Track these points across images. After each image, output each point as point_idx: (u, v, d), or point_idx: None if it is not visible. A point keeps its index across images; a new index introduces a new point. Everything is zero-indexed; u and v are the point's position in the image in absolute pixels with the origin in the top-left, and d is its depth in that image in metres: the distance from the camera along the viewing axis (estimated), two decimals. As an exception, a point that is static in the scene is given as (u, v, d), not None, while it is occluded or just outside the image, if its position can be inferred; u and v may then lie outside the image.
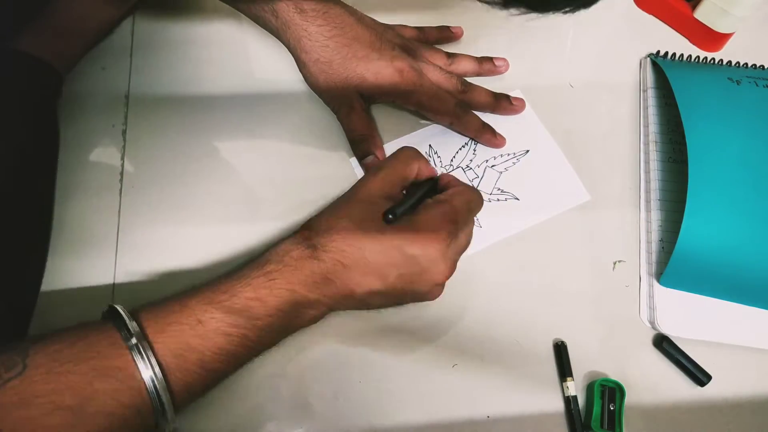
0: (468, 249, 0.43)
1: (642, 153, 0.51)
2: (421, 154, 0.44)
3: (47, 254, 0.44)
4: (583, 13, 0.56)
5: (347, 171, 0.49)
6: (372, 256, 0.38)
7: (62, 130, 0.49)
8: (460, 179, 0.46)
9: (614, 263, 0.47)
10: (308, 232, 0.39)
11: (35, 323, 0.41)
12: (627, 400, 0.42)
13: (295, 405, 0.42)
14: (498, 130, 0.50)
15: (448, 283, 0.45)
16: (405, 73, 0.48)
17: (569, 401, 0.42)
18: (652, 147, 0.51)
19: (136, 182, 0.48)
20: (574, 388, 0.42)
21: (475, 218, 0.45)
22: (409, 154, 0.43)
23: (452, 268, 0.41)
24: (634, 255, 0.48)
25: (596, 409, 0.42)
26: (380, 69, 0.47)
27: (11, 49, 0.45)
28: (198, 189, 0.48)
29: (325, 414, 0.42)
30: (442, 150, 0.50)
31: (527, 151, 0.50)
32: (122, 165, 0.48)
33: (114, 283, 0.44)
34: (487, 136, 0.50)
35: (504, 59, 0.53)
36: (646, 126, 0.52)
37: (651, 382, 0.44)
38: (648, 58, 0.55)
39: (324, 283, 0.38)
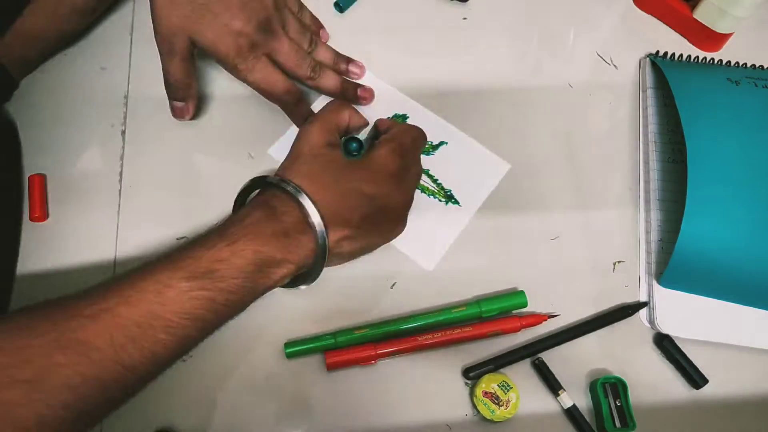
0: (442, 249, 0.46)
1: (641, 153, 0.51)
2: (349, 104, 0.46)
3: (17, 257, 0.45)
4: (582, 14, 0.57)
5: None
6: (331, 205, 0.38)
7: (62, 130, 0.49)
8: None
9: (614, 263, 0.47)
10: (264, 196, 0.39)
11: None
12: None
13: (295, 405, 0.42)
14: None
15: (451, 281, 0.46)
16: (242, 51, 0.44)
17: (570, 412, 0.42)
18: (652, 147, 0.51)
19: (135, 183, 0.48)
20: (569, 398, 0.43)
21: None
22: (337, 103, 0.45)
23: (410, 200, 0.44)
24: (633, 255, 0.48)
25: (605, 409, 0.42)
26: (222, 36, 0.43)
27: None
28: (198, 190, 0.48)
29: (325, 414, 0.42)
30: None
31: (439, 148, 0.50)
32: (121, 165, 0.48)
33: (113, 284, 0.44)
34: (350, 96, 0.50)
35: (361, 66, 0.52)
36: (646, 126, 0.52)
37: (651, 382, 0.44)
38: (647, 59, 0.55)
39: (288, 240, 0.37)
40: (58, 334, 0.31)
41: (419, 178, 0.46)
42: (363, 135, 0.43)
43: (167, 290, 0.34)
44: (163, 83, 0.46)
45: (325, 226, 0.38)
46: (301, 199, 0.38)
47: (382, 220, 0.41)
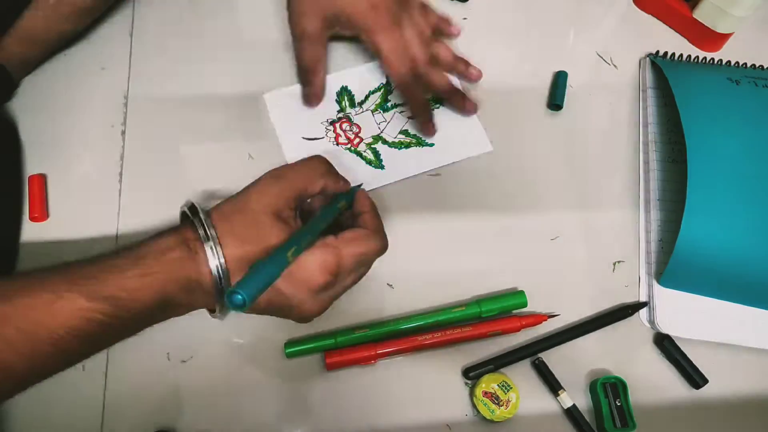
0: (366, 186, 0.46)
1: (641, 153, 0.51)
2: (333, 167, 0.41)
3: (17, 257, 0.45)
4: (582, 14, 0.57)
5: (342, 170, 0.48)
6: (245, 270, 0.35)
7: (61, 131, 0.49)
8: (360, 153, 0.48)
9: (614, 264, 0.47)
10: (190, 233, 0.36)
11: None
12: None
13: (295, 405, 0.42)
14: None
15: (451, 281, 0.46)
16: (379, 11, 0.45)
17: (570, 412, 0.42)
18: (652, 147, 0.51)
19: (135, 183, 0.48)
20: (569, 398, 0.43)
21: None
22: (317, 167, 0.40)
23: (323, 308, 0.39)
24: (633, 255, 0.48)
25: (605, 409, 0.42)
26: (354, 2, 0.45)
27: None
28: (197, 190, 0.48)
29: (325, 414, 0.42)
30: (356, 90, 0.52)
31: (438, 105, 0.52)
32: (121, 165, 0.48)
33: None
34: (423, 118, 0.50)
35: (478, 70, 0.52)
36: (646, 126, 0.52)
37: (651, 382, 0.44)
38: (647, 59, 0.55)
39: (197, 289, 0.36)
40: None
41: (352, 285, 0.41)
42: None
43: (61, 302, 0.32)
44: (163, 83, 0.46)
45: (227, 289, 0.35)
46: (212, 264, 0.35)
47: (287, 312, 0.39)
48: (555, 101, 0.52)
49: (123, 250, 0.36)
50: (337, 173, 0.42)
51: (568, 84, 0.53)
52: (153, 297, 0.35)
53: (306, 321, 0.40)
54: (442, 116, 0.51)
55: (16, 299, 0.32)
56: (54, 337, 0.32)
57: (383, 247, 0.40)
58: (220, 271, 0.36)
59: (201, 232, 0.36)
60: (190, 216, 0.38)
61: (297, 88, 0.51)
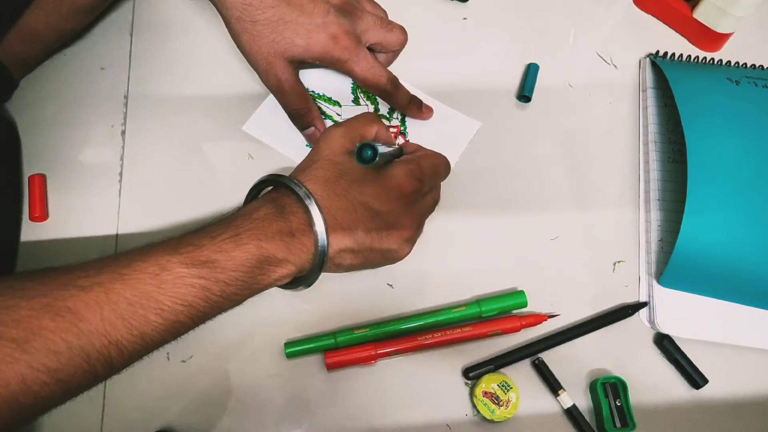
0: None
1: (641, 153, 0.51)
2: (380, 119, 0.45)
3: (17, 257, 0.45)
4: (582, 14, 0.57)
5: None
6: (339, 214, 0.39)
7: (61, 130, 0.49)
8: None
9: (614, 264, 0.47)
10: (276, 194, 0.39)
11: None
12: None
13: (295, 405, 0.42)
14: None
15: (451, 281, 0.46)
16: (340, 40, 0.45)
17: (570, 412, 0.42)
18: (652, 147, 0.51)
19: (135, 183, 0.48)
20: (569, 398, 0.43)
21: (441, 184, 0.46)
22: (368, 116, 0.45)
23: (419, 225, 0.43)
24: (633, 255, 0.48)
25: (605, 409, 0.42)
26: (311, 35, 0.44)
27: None
28: (197, 190, 0.48)
29: (325, 414, 0.42)
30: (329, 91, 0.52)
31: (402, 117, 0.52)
32: (121, 165, 0.48)
33: (113, 284, 0.44)
34: (413, 109, 0.50)
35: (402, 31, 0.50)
36: (646, 126, 0.52)
37: (651, 382, 0.44)
38: (647, 59, 0.55)
39: (291, 241, 0.37)
40: (49, 299, 0.31)
41: (434, 207, 0.45)
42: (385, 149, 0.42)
43: (164, 273, 0.33)
44: (163, 82, 0.46)
45: (328, 234, 0.38)
46: (309, 205, 0.38)
47: (385, 240, 0.41)
48: (523, 92, 0.52)
49: (217, 218, 0.38)
50: (384, 124, 0.45)
51: (568, 83, 0.53)
52: (249, 255, 0.36)
53: (404, 249, 0.42)
54: (418, 125, 0.51)
55: (127, 275, 0.33)
56: (160, 308, 0.33)
57: (448, 163, 0.46)
58: (315, 214, 0.38)
59: (286, 183, 0.39)
60: (269, 182, 0.40)
61: (267, 104, 0.50)
